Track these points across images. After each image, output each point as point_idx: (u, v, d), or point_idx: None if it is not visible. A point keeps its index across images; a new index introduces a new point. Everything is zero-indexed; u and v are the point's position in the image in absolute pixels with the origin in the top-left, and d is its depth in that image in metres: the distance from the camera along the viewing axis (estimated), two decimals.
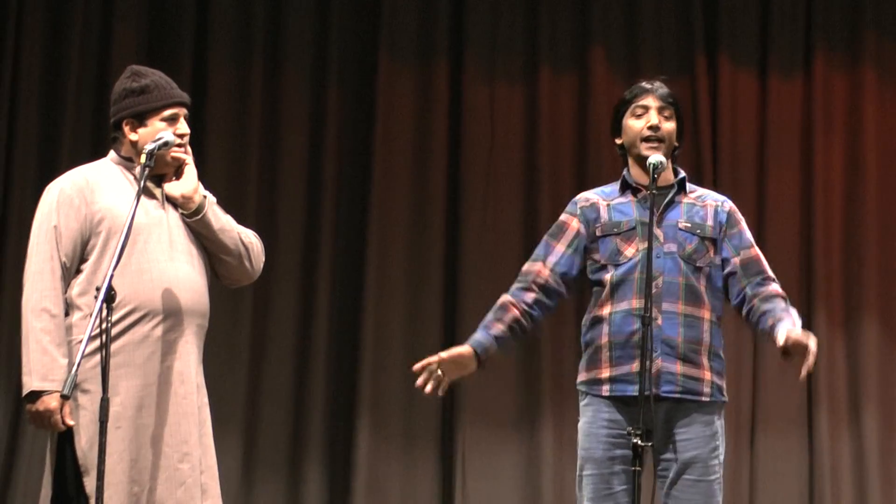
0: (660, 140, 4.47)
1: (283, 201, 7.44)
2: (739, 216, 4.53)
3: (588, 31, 7.60)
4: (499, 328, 4.46)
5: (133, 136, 4.42)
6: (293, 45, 7.51)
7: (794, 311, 4.37)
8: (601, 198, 4.58)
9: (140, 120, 4.42)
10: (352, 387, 7.32)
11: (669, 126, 4.50)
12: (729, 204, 4.53)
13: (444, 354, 4.38)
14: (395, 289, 7.43)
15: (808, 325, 7.34)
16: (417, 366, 4.35)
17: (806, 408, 7.39)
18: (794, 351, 4.20)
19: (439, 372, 4.34)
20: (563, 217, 4.63)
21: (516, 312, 4.49)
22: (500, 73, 7.59)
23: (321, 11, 7.55)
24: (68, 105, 7.25)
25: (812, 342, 4.18)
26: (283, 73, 7.50)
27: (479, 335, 4.45)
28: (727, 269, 4.45)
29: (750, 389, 7.34)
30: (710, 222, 4.45)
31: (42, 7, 7.32)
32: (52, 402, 4.18)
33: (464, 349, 4.41)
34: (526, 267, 4.60)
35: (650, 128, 4.48)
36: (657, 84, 4.56)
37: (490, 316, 4.49)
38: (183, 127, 4.43)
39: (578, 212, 4.58)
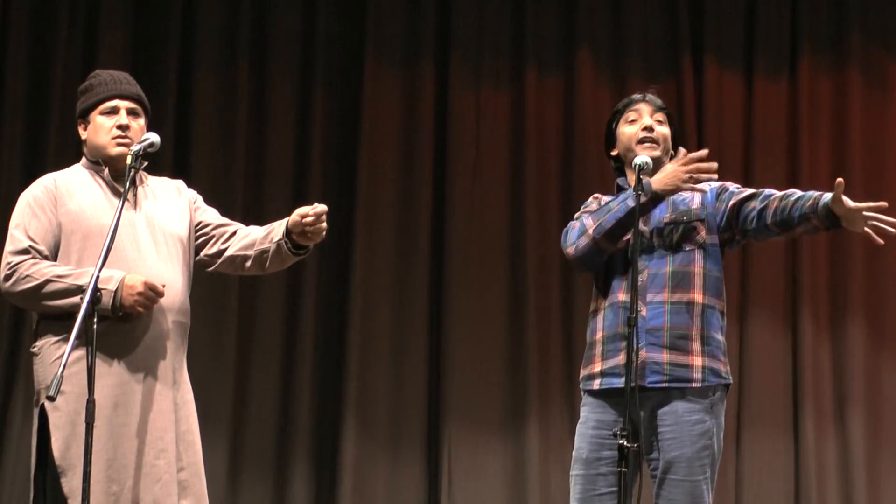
0: (654, 141, 4.50)
1: (269, 203, 7.43)
2: (728, 183, 4.53)
3: (574, 33, 7.61)
4: None
5: (83, 135, 4.45)
6: (279, 48, 7.51)
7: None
8: (605, 198, 4.65)
9: (85, 118, 4.46)
10: (338, 388, 7.32)
11: (664, 130, 4.54)
12: (717, 182, 4.50)
13: None
14: (381, 291, 7.43)
15: (793, 327, 7.43)
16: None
17: (792, 408, 7.40)
18: (852, 216, 4.18)
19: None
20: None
21: None
22: (487, 76, 7.60)
23: (307, 14, 7.54)
24: (53, 108, 7.23)
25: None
26: (269, 76, 7.49)
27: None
28: (733, 207, 4.43)
29: (736, 390, 7.34)
30: (695, 206, 4.46)
31: (28, 9, 7.31)
32: (135, 282, 4.19)
33: None
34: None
35: (645, 128, 4.51)
36: (649, 94, 4.61)
37: None
38: (122, 118, 4.40)
39: (595, 201, 4.64)
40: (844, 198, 4.21)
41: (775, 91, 7.62)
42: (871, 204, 4.22)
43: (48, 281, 4.24)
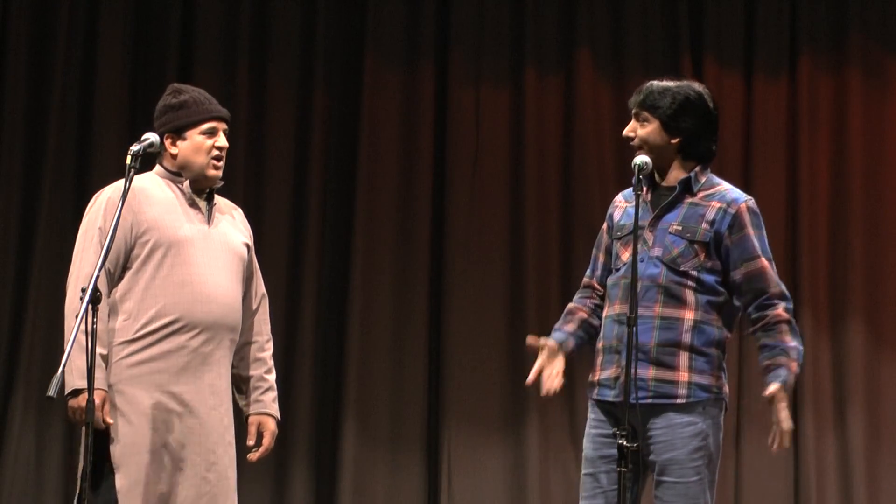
0: (638, 147, 4.48)
1: (269, 203, 7.44)
2: (747, 219, 4.35)
3: (574, 32, 7.61)
4: (571, 326, 4.51)
5: (173, 150, 4.52)
6: (279, 47, 7.51)
7: (792, 345, 4.31)
8: (624, 199, 4.58)
9: (179, 134, 4.52)
10: (338, 389, 7.33)
11: (643, 131, 4.48)
12: (739, 205, 4.36)
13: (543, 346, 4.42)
14: (380, 291, 7.43)
15: None
16: (533, 377, 4.41)
17: (791, 408, 7.38)
18: (772, 412, 4.32)
19: (558, 365, 4.41)
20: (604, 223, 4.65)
21: (583, 314, 4.52)
22: (486, 75, 7.60)
23: (307, 13, 7.55)
24: (53, 109, 7.23)
25: (785, 421, 4.35)
26: (268, 75, 7.50)
27: (554, 334, 4.49)
28: (732, 280, 4.35)
29: (735, 390, 7.35)
30: (704, 225, 4.35)
31: (28, 8, 7.31)
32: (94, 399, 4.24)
33: (550, 340, 4.44)
34: (584, 281, 4.61)
35: (626, 138, 4.51)
36: (637, 92, 4.53)
37: (560, 321, 4.54)
38: (221, 140, 4.54)
39: (607, 216, 4.59)
40: (776, 406, 4.38)
41: (775, 91, 7.62)
42: (784, 426, 4.42)
43: (69, 340, 4.28)
